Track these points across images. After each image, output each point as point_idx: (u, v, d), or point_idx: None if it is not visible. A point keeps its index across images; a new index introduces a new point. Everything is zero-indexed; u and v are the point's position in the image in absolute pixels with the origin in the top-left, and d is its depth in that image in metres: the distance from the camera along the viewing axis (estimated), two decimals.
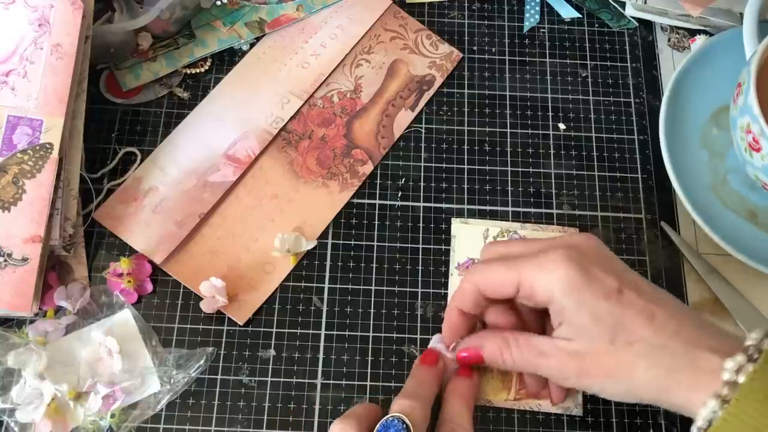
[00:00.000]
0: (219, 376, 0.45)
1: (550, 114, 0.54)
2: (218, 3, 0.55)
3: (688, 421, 0.45)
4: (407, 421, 0.38)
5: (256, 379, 0.46)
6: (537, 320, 0.44)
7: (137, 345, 0.45)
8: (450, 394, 0.42)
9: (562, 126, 0.54)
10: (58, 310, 0.46)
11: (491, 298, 0.41)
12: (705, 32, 0.56)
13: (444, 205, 0.51)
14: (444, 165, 0.52)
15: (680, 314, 0.38)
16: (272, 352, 0.46)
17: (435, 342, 0.45)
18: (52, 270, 0.46)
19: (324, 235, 0.50)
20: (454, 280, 0.48)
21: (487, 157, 0.52)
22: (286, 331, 0.47)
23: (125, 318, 0.46)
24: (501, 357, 0.40)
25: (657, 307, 0.38)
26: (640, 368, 0.37)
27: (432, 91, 0.54)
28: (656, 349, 0.37)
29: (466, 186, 0.51)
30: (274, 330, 0.47)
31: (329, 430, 0.38)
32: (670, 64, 0.56)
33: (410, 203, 0.51)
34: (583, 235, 0.41)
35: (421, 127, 0.53)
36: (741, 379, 0.34)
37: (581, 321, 0.38)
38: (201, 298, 0.47)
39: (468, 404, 0.41)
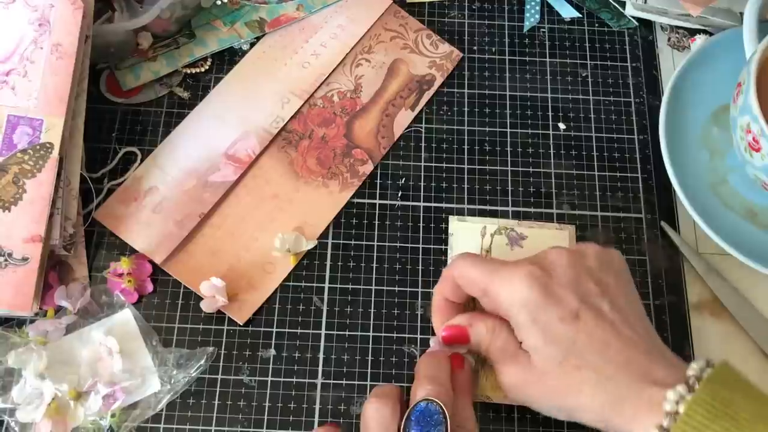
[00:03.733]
0: (219, 376, 0.45)
1: (550, 114, 0.54)
2: (218, 2, 0.55)
3: None
4: (443, 405, 0.37)
5: (257, 378, 0.46)
6: None
7: (137, 345, 0.45)
8: (455, 391, 0.42)
9: (562, 126, 0.54)
10: (59, 310, 0.46)
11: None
12: (705, 32, 0.56)
13: (444, 205, 0.51)
14: (444, 165, 0.52)
15: (635, 341, 0.38)
16: (272, 351, 0.46)
17: (434, 344, 0.45)
18: (53, 270, 0.46)
19: (324, 235, 0.50)
20: None
21: (487, 157, 0.52)
22: (287, 330, 0.47)
23: (125, 318, 0.46)
24: (486, 340, 0.41)
25: (613, 335, 0.38)
26: (584, 394, 0.37)
27: (432, 91, 0.54)
28: (603, 379, 0.37)
29: (466, 186, 0.51)
30: (275, 330, 0.47)
31: (364, 411, 0.38)
32: (670, 64, 0.56)
33: (410, 203, 0.51)
34: (556, 251, 0.41)
35: (421, 127, 0.53)
36: (681, 409, 0.34)
37: (534, 340, 0.38)
38: (201, 298, 0.47)
39: (467, 396, 0.41)
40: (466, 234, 0.49)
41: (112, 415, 0.43)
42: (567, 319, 0.38)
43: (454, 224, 0.50)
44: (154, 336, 0.46)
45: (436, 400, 0.37)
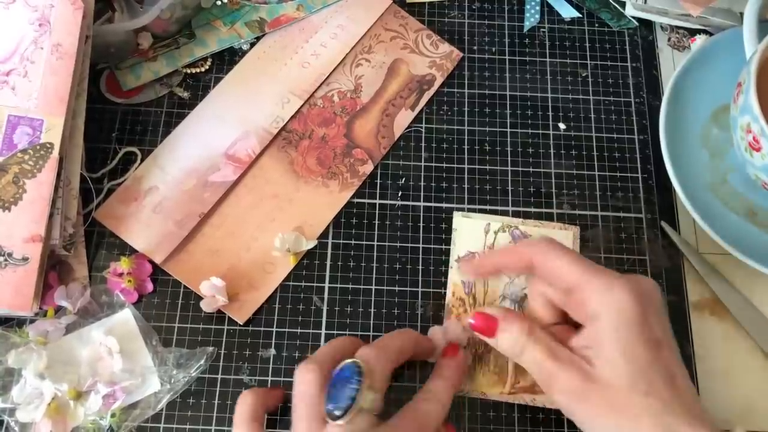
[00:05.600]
0: (219, 376, 0.45)
1: (550, 114, 0.54)
2: (218, 3, 0.55)
3: None
4: (362, 366, 0.38)
5: (257, 378, 0.46)
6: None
7: (138, 344, 0.45)
8: (435, 374, 0.42)
9: (562, 126, 0.54)
10: (59, 310, 0.46)
11: (538, 281, 0.42)
12: (705, 32, 0.56)
13: (444, 205, 0.51)
14: (444, 165, 0.52)
15: (691, 388, 0.38)
16: (272, 351, 0.46)
17: (434, 331, 0.45)
18: (53, 270, 0.46)
19: (324, 234, 0.50)
20: (454, 274, 0.48)
21: (487, 157, 0.52)
22: (287, 330, 0.47)
23: (125, 317, 0.46)
24: (517, 341, 0.40)
25: (681, 375, 0.38)
26: (642, 422, 0.36)
27: (432, 91, 0.54)
28: (666, 413, 0.36)
29: (466, 186, 0.51)
30: (275, 329, 0.47)
31: (296, 374, 0.40)
32: (670, 64, 0.56)
33: (410, 203, 0.51)
34: (649, 281, 0.41)
35: (421, 127, 0.53)
36: None
37: (613, 353, 0.37)
38: (201, 298, 0.47)
39: (452, 383, 0.41)
40: (469, 230, 0.49)
41: (112, 415, 0.43)
42: (650, 345, 0.37)
43: (458, 220, 0.49)
44: (154, 336, 0.46)
45: (359, 360, 0.38)
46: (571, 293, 0.40)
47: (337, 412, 0.37)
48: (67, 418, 0.43)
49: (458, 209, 0.50)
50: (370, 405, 0.37)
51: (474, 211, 0.50)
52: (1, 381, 0.44)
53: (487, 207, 0.51)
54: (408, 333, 0.43)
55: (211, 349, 0.46)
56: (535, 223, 0.50)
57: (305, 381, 0.39)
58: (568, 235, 0.49)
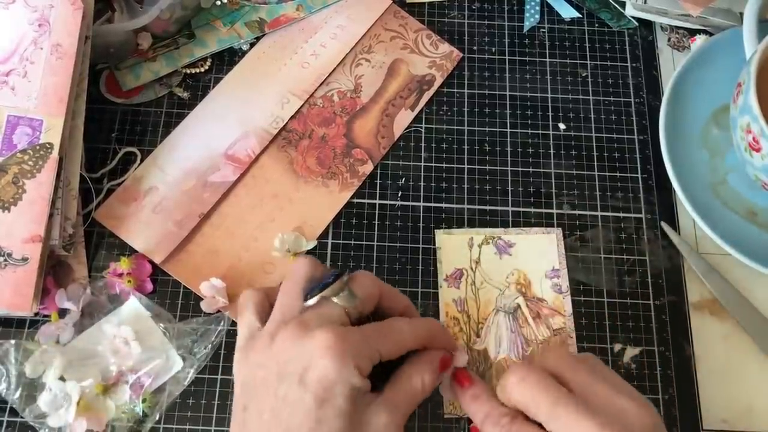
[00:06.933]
0: (219, 376, 0.45)
1: (550, 114, 0.54)
2: (218, 3, 0.55)
3: (688, 422, 0.45)
4: (347, 273, 0.38)
5: None
6: None
7: (151, 328, 0.45)
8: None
9: (562, 126, 0.54)
10: (61, 312, 0.46)
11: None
12: (705, 32, 0.56)
13: (444, 205, 0.51)
14: (444, 165, 0.52)
15: None
16: None
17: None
18: (48, 275, 0.46)
19: (324, 235, 0.50)
20: (444, 293, 0.48)
21: (487, 157, 0.52)
22: None
23: (134, 306, 0.46)
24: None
25: None
26: None
27: (432, 91, 0.54)
28: None
29: (466, 186, 0.51)
30: None
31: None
32: (670, 64, 0.56)
33: (410, 203, 0.51)
34: (646, 410, 0.35)
35: (421, 127, 0.53)
36: None
37: None
38: (201, 298, 0.47)
39: (433, 365, 0.39)
40: (453, 247, 0.49)
41: (143, 400, 0.43)
42: None
43: (441, 238, 0.49)
44: (165, 316, 0.46)
45: (346, 276, 0.38)
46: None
47: (309, 296, 0.37)
48: (100, 413, 0.43)
49: (458, 209, 0.50)
50: (345, 302, 0.37)
51: (473, 211, 0.50)
52: (26, 391, 0.44)
53: (487, 207, 0.51)
54: (433, 326, 0.40)
55: (227, 313, 0.46)
56: (517, 231, 0.49)
57: (299, 265, 0.39)
58: (551, 239, 0.49)
